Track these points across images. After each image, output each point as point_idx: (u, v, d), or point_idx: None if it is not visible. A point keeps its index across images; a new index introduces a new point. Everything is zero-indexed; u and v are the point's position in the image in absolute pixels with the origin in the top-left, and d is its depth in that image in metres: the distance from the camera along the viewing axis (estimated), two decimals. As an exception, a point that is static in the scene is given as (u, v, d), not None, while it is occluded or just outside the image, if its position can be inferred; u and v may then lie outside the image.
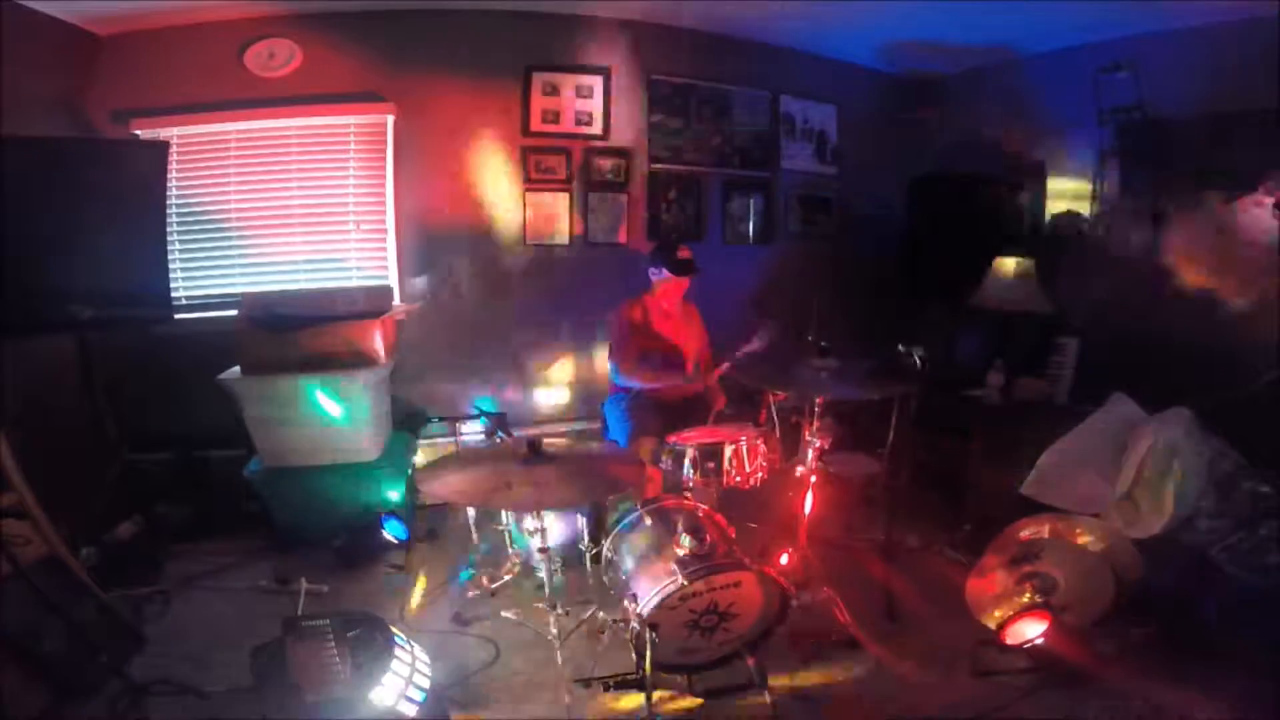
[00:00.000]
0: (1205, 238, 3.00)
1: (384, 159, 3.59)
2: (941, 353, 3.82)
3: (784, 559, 2.45)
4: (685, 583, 1.87)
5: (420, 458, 3.47)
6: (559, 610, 2.25)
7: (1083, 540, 2.22)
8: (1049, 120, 3.84)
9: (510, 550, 2.60)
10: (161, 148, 3.04)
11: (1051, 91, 3.81)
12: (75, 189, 2.53)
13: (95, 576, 2.22)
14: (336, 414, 2.90)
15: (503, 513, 2.59)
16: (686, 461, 2.44)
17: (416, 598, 2.66)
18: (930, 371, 2.40)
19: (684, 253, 3.06)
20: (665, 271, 3.05)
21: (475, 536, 2.70)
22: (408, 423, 3.52)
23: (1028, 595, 2.17)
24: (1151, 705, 1.97)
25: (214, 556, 2.91)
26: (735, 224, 4.28)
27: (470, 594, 2.58)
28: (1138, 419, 2.63)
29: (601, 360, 3.79)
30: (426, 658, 1.94)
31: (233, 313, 2.99)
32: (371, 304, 3.08)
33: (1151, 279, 3.31)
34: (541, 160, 3.78)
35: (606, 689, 1.96)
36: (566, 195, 3.85)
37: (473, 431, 3.57)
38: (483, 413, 3.17)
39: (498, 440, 2.87)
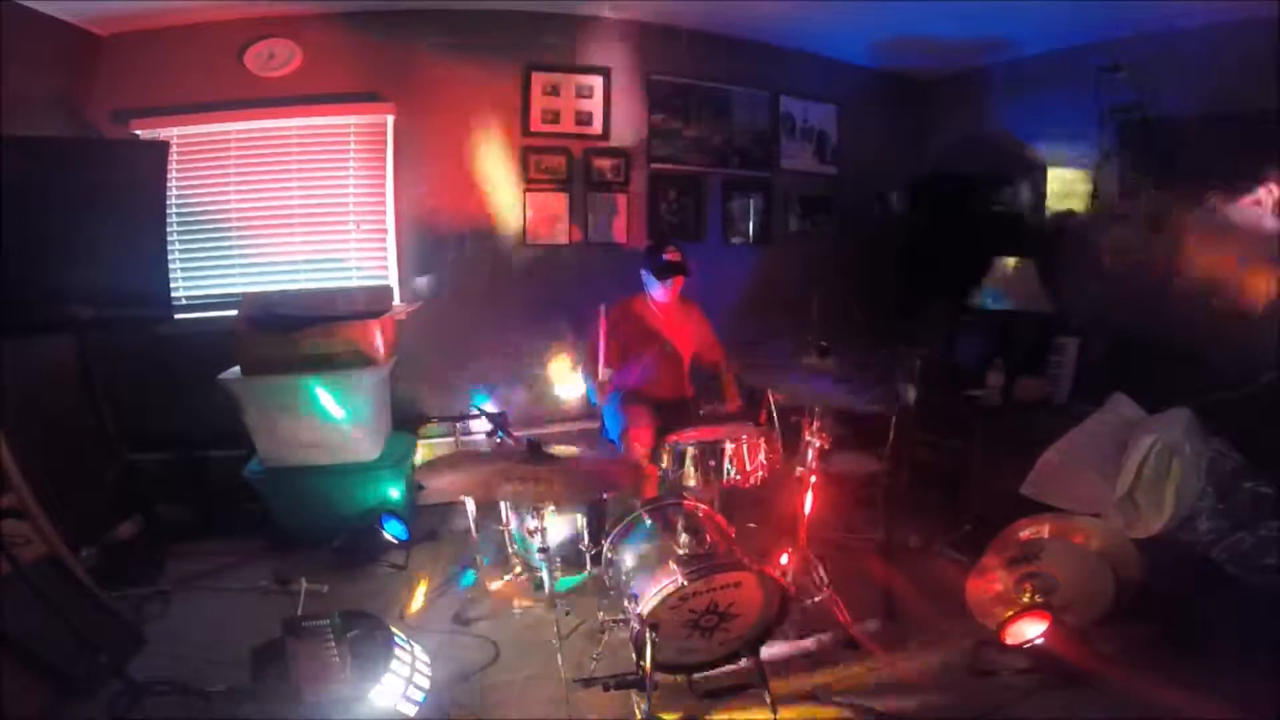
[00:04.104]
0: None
1: (384, 159, 3.59)
2: (941, 353, 3.83)
3: (784, 559, 2.45)
4: (685, 583, 1.87)
5: (420, 458, 3.47)
6: (559, 610, 2.25)
7: (1083, 540, 2.22)
8: (1049, 120, 3.84)
9: (510, 550, 2.60)
10: (161, 148, 3.04)
11: (1051, 91, 3.81)
12: (75, 189, 2.53)
13: (95, 576, 2.22)
14: (339, 414, 2.91)
15: (502, 513, 2.59)
16: (687, 461, 2.44)
17: (416, 598, 2.66)
18: (930, 372, 2.40)
19: (671, 255, 3.04)
20: (650, 275, 3.05)
21: (475, 537, 2.69)
22: (408, 423, 3.52)
23: (1028, 595, 2.17)
24: (1151, 705, 1.97)
25: (214, 556, 2.91)
26: (735, 224, 4.28)
27: (470, 594, 2.58)
28: (1138, 419, 2.64)
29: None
30: (426, 658, 1.95)
31: (233, 313, 2.99)
32: (371, 304, 3.08)
33: (1151, 279, 3.32)
34: (541, 160, 3.78)
35: (606, 689, 1.96)
36: (566, 195, 3.85)
37: (473, 432, 3.58)
38: (483, 413, 3.17)
39: (498, 440, 2.86)
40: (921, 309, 4.04)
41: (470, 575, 2.73)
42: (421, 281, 3.67)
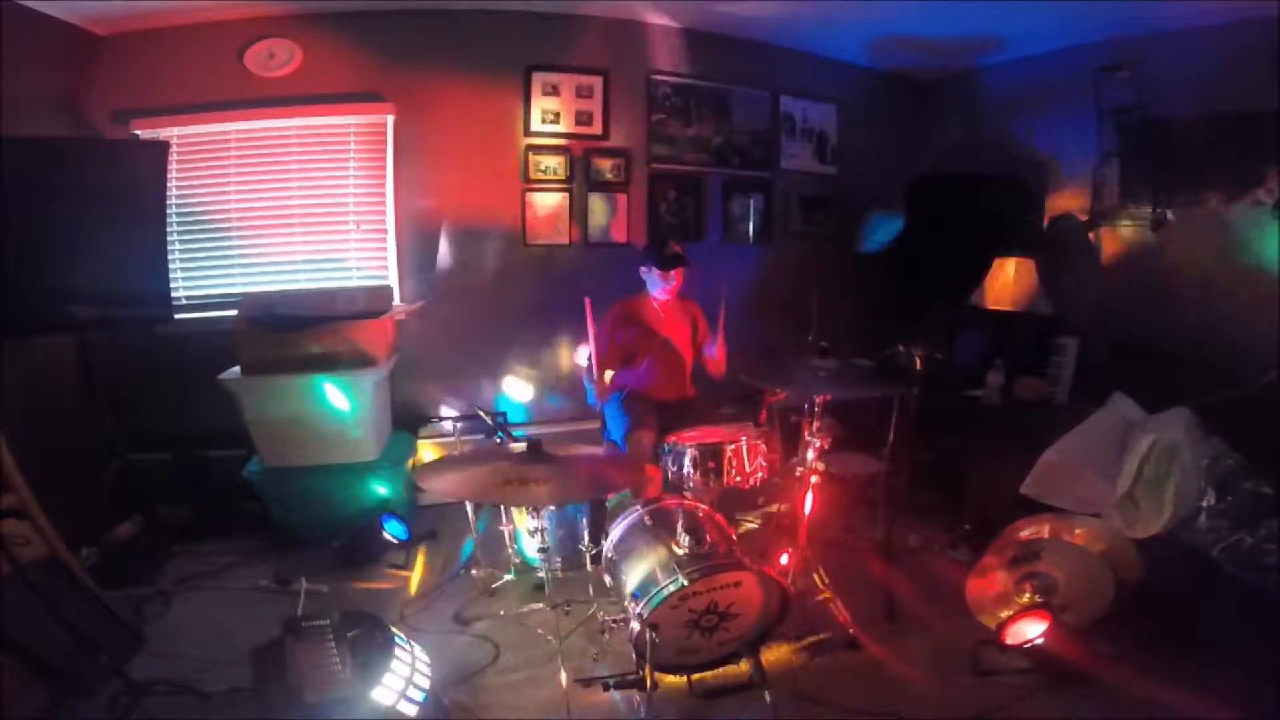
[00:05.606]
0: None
1: (384, 159, 3.59)
2: (941, 353, 3.82)
3: (784, 559, 2.45)
4: (685, 583, 1.87)
5: (421, 458, 3.46)
6: (559, 610, 2.25)
7: (1083, 540, 2.22)
8: (1048, 121, 3.84)
9: (510, 550, 2.60)
10: (161, 148, 3.04)
11: (1051, 91, 3.80)
12: (75, 189, 2.53)
13: (95, 576, 2.23)
14: (345, 408, 2.91)
15: (502, 513, 2.58)
16: (686, 461, 2.44)
17: (416, 598, 2.66)
18: (930, 371, 2.40)
19: (673, 248, 3.04)
20: (654, 268, 3.04)
21: (475, 531, 2.69)
22: (408, 423, 3.52)
23: (1028, 595, 2.17)
24: (1151, 705, 1.97)
25: (214, 556, 2.91)
26: (735, 224, 4.28)
27: (470, 594, 2.58)
28: (1138, 419, 2.63)
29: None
30: (426, 658, 1.95)
31: (233, 313, 2.99)
32: (371, 304, 3.09)
33: (1152, 279, 3.32)
34: (541, 160, 3.79)
35: (606, 689, 1.96)
36: (566, 195, 3.85)
37: (473, 432, 3.58)
38: (483, 413, 3.17)
39: (498, 441, 2.86)
40: (922, 309, 4.04)
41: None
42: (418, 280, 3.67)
